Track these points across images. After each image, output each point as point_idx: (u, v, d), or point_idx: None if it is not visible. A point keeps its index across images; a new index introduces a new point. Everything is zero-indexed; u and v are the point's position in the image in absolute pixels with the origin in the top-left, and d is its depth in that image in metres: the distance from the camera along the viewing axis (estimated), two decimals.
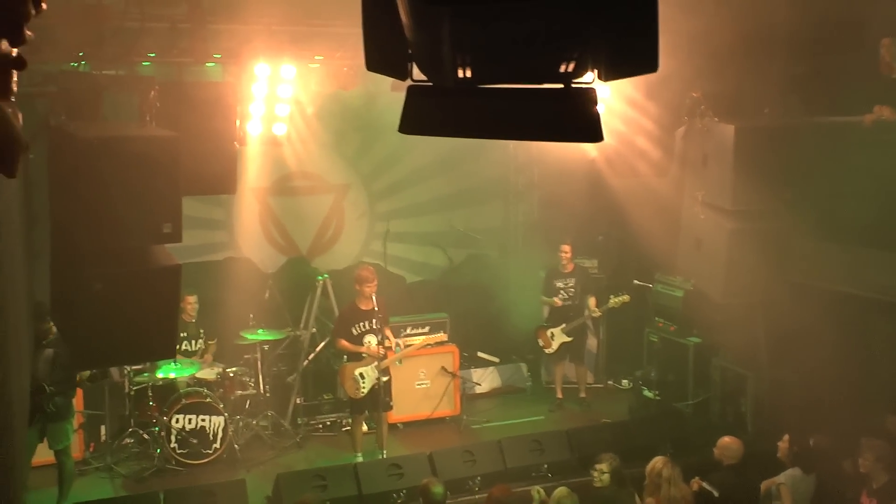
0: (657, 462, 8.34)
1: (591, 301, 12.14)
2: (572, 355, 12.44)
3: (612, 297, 12.06)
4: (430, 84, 2.86)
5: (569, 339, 12.18)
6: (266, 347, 11.09)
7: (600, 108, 9.77)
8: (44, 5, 1.98)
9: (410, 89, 2.91)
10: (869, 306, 10.31)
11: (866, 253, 9.84)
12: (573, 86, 2.77)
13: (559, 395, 12.45)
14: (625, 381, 13.22)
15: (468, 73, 2.59)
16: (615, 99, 11.08)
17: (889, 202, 9.52)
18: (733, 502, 8.51)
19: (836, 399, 9.70)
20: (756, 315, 11.20)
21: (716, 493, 8.52)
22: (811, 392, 9.94)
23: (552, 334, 12.22)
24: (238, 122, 9.19)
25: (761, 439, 10.19)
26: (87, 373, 9.31)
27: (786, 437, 8.88)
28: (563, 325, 12.15)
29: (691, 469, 8.84)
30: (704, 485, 8.60)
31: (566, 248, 12.14)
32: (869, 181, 9.68)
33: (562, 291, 12.19)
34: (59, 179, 7.43)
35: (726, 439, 8.76)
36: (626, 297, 11.99)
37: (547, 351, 12.43)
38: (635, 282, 12.65)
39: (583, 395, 12.42)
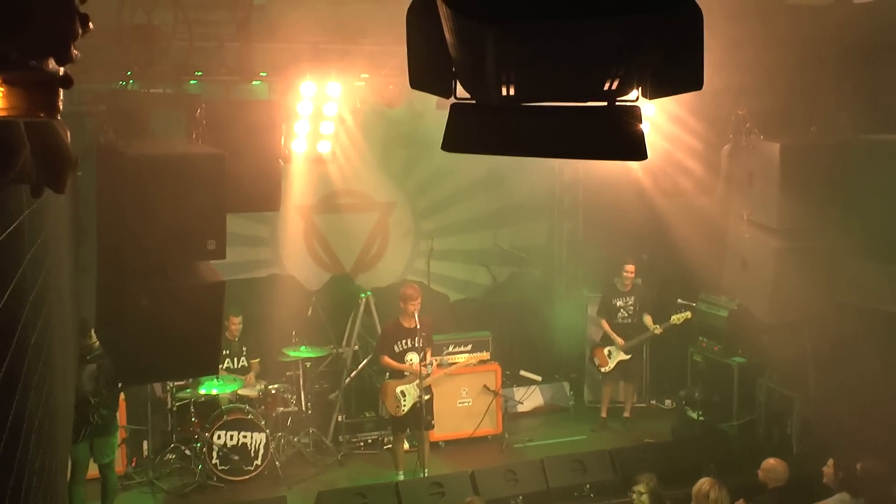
0: (704, 483, 8.24)
1: (648, 319, 12.07)
2: (628, 374, 12.34)
3: (673, 315, 11.96)
4: (474, 102, 2.86)
5: (627, 357, 12.09)
6: (308, 364, 11.15)
7: (645, 125, 9.73)
8: (91, 25, 2.00)
9: (454, 107, 2.90)
10: None
11: None
12: (617, 103, 2.75)
13: (603, 415, 12.36)
14: (668, 402, 13.14)
15: (512, 91, 2.58)
16: (660, 116, 11.03)
17: None
18: None
19: (885, 421, 9.54)
20: (802, 335, 11.06)
21: None
22: (858, 414, 9.79)
23: (609, 352, 12.14)
24: (283, 140, 9.27)
25: (807, 462, 10.05)
26: None
27: (830, 461, 8.74)
28: (623, 343, 12.04)
29: (736, 491, 8.72)
30: None
31: (630, 267, 12.07)
32: None
33: (622, 310, 12.13)
34: (107, 196, 7.53)
35: (771, 461, 8.65)
36: (688, 314, 11.91)
37: (603, 370, 12.30)
38: (680, 301, 12.55)
39: (627, 414, 12.32)
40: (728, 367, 11.92)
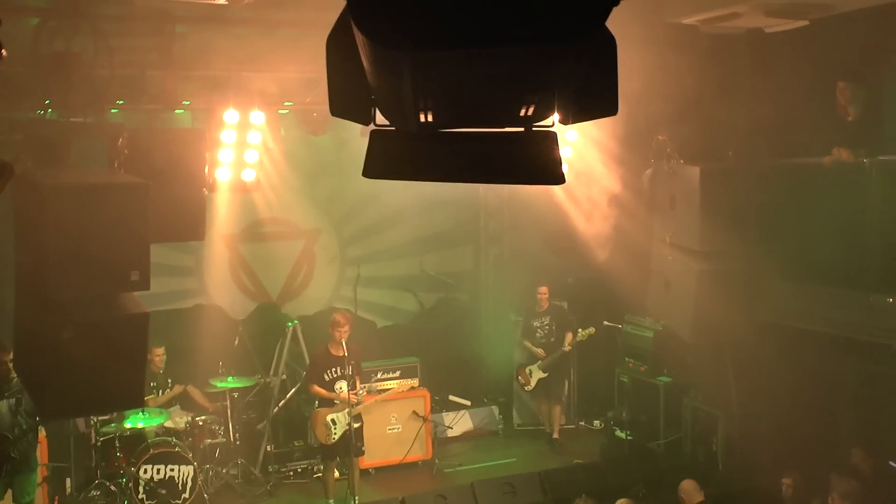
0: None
1: (569, 337, 12.17)
2: (551, 394, 12.41)
3: (580, 330, 12.08)
4: (393, 129, 2.88)
5: (544, 374, 12.18)
6: (236, 395, 11.00)
7: (568, 151, 9.95)
8: (4, 52, 1.99)
9: (373, 134, 2.93)
10: (835, 344, 10.38)
11: (832, 291, 9.92)
12: (534, 129, 2.79)
13: (555, 436, 12.39)
14: (596, 422, 13.23)
15: (430, 118, 2.61)
16: (583, 142, 11.20)
17: (851, 241, 9.65)
18: None
19: (805, 436, 9.74)
20: (725, 354, 11.26)
21: None
22: (781, 430, 9.99)
23: (530, 371, 12.26)
24: (207, 169, 9.17)
25: (732, 478, 10.22)
26: None
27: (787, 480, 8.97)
28: (539, 362, 12.16)
29: None
30: None
31: (543, 289, 12.26)
32: (832, 221, 9.81)
33: (538, 330, 12.24)
34: (26, 227, 7.37)
35: (685, 483, 8.84)
36: (591, 330, 12.07)
37: (526, 388, 12.46)
38: (605, 323, 12.72)
39: (556, 436, 12.38)
40: (654, 386, 12.08)
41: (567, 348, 12.14)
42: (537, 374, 12.20)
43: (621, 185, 11.54)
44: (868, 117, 9.58)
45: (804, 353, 10.16)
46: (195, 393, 10.89)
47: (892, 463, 10.14)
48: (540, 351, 12.17)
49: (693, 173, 10.29)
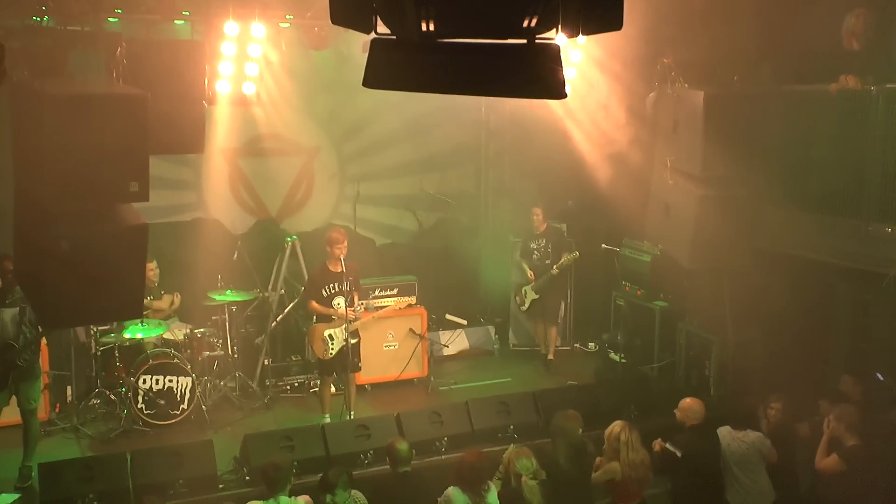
0: (615, 427, 8.43)
1: (564, 258, 12.15)
2: (545, 315, 12.46)
3: (564, 255, 12.08)
4: (394, 38, 2.84)
5: (536, 295, 12.22)
6: (234, 309, 11.05)
7: (572, 72, 9.82)
8: None
9: (374, 42, 2.89)
10: (831, 272, 10.43)
11: (830, 220, 9.94)
12: (537, 41, 2.75)
13: (550, 357, 12.45)
14: (591, 344, 13.33)
15: (431, 27, 2.57)
16: (587, 63, 11.08)
17: (852, 171, 9.63)
18: (696, 462, 8.62)
19: (797, 362, 9.83)
20: (722, 280, 11.30)
21: (679, 454, 8.63)
22: (773, 356, 10.08)
23: (525, 292, 12.32)
24: (207, 81, 9.10)
25: (724, 402, 10.33)
26: None
27: (775, 405, 9.03)
28: (532, 283, 12.19)
29: (656, 431, 8.95)
30: (667, 446, 8.70)
31: (537, 210, 12.23)
32: (834, 149, 9.78)
33: (535, 252, 12.25)
34: (23, 137, 7.33)
35: (688, 401, 8.86)
36: (575, 255, 12.04)
37: (522, 309, 12.53)
38: (603, 246, 12.73)
39: (551, 357, 12.47)
40: (650, 311, 12.15)
41: (555, 271, 12.12)
42: (531, 296, 12.25)
43: (624, 109, 11.47)
44: (877, 44, 9.48)
45: (800, 280, 10.20)
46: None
47: (879, 375, 10.27)
48: (530, 273, 12.19)
49: (697, 98, 10.20)
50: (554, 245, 12.22)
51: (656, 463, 8.66)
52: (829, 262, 10.05)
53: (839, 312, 11.16)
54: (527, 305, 12.35)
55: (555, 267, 12.08)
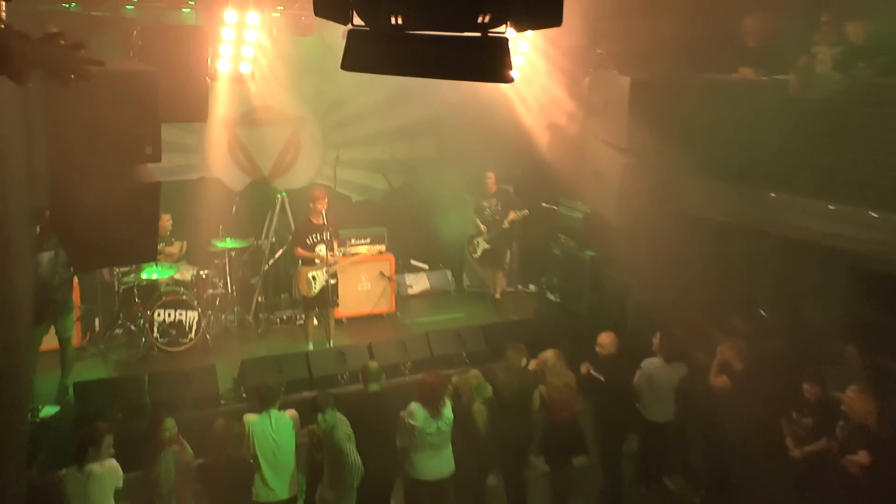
0: (547, 354, 8.60)
1: (510, 216, 12.22)
2: (494, 261, 12.54)
3: (516, 211, 12.15)
4: (368, 29, 2.89)
5: (488, 246, 12.29)
6: (233, 254, 11.05)
7: (520, 59, 9.88)
8: None
9: (350, 32, 2.93)
10: (729, 230, 10.61)
11: (730, 187, 10.10)
12: (489, 35, 2.81)
13: (497, 296, 12.55)
14: (532, 287, 13.44)
15: (400, 20, 2.62)
16: (533, 52, 11.13)
17: (749, 145, 9.78)
18: (614, 385, 8.83)
19: (698, 302, 10.01)
20: (642, 235, 11.41)
21: (602, 378, 8.82)
22: (680, 298, 10.24)
23: (477, 242, 12.36)
24: (209, 61, 9.01)
25: (639, 335, 10.49)
26: None
27: (658, 334, 9.19)
28: (485, 235, 12.25)
29: (584, 359, 9.12)
30: (592, 371, 8.89)
31: (490, 175, 12.26)
32: (735, 128, 9.91)
33: (487, 209, 12.29)
34: (55, 106, 7.24)
35: (603, 336, 9.06)
36: (525, 212, 12.10)
37: (474, 256, 12.57)
38: (543, 204, 12.82)
39: (498, 296, 12.59)
40: (582, 259, 12.25)
41: (506, 225, 12.19)
42: (483, 245, 12.31)
43: (564, 90, 11.53)
44: (770, 43, 9.61)
45: (704, 236, 10.36)
46: None
47: (762, 313, 10.50)
48: (484, 227, 12.24)
49: (624, 82, 10.29)
50: (503, 203, 12.29)
51: (583, 385, 8.86)
52: (727, 222, 10.24)
53: (733, 263, 11.37)
54: (479, 254, 12.42)
55: (506, 222, 12.14)
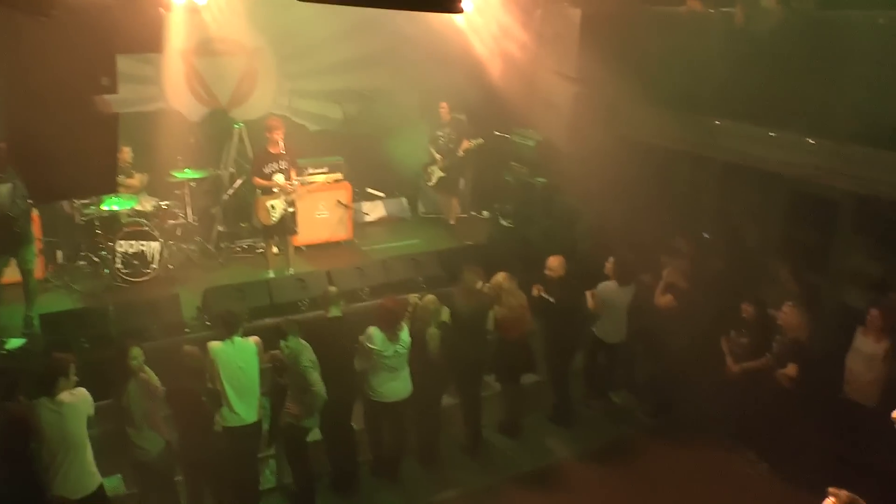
0: (499, 277, 8.70)
1: (464, 144, 12.17)
2: (448, 188, 12.52)
3: (471, 140, 12.09)
4: None
5: (443, 174, 12.26)
6: (193, 184, 10.92)
7: None
8: None
9: None
10: (674, 156, 10.74)
11: (676, 114, 10.18)
12: None
13: (452, 222, 12.56)
14: (485, 212, 13.49)
15: None
16: None
17: (694, 74, 9.84)
18: (564, 307, 8.99)
19: (644, 225, 10.17)
20: (591, 162, 11.50)
21: (552, 300, 8.97)
22: (627, 221, 10.39)
23: (432, 171, 12.32)
24: None
25: (589, 258, 10.65)
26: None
27: (611, 258, 9.33)
28: (440, 164, 12.20)
29: (535, 282, 9.25)
30: (543, 293, 9.02)
31: (444, 104, 12.17)
32: (682, 57, 9.95)
33: (441, 138, 12.22)
34: (8, 38, 7.01)
35: (552, 259, 9.17)
36: (480, 141, 12.08)
37: (429, 184, 12.53)
38: (496, 132, 12.80)
39: (452, 222, 12.62)
40: (533, 185, 12.31)
41: (461, 154, 12.13)
42: (437, 174, 12.27)
43: (517, 22, 11.41)
44: None
45: (650, 162, 10.49)
46: None
47: (705, 234, 10.73)
48: (438, 156, 12.19)
49: (575, 14, 10.27)
50: (457, 132, 12.25)
51: (535, 306, 9.01)
52: (673, 148, 10.36)
53: (679, 187, 11.53)
54: (434, 181, 12.39)
55: (460, 150, 12.11)
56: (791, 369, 8.02)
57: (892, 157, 7.76)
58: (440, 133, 12.23)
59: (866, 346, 8.09)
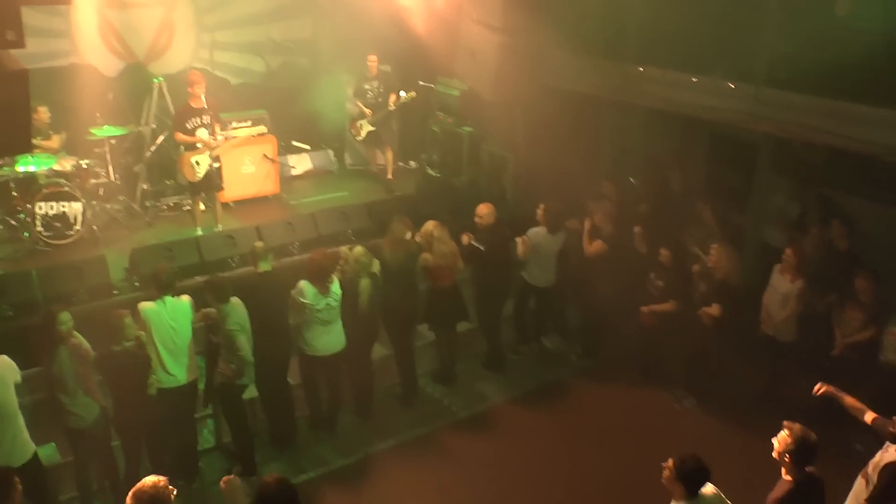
0: (429, 225, 8.67)
1: (392, 98, 11.93)
2: (380, 142, 12.20)
3: (403, 93, 11.94)
4: None
5: (373, 128, 12.01)
6: (113, 142, 10.51)
7: None
8: None
9: None
10: (600, 103, 10.81)
11: (599, 62, 10.22)
12: None
13: (388, 177, 12.24)
14: (412, 163, 13.40)
15: None
16: None
17: (618, 22, 9.88)
18: (494, 254, 9.03)
19: (571, 173, 10.26)
20: (516, 111, 11.51)
21: (482, 248, 9.00)
22: (553, 168, 10.45)
23: (361, 125, 12.02)
24: None
25: (518, 206, 10.72)
26: None
27: (541, 205, 9.38)
28: (369, 118, 11.95)
29: (465, 230, 9.27)
30: (473, 241, 9.04)
31: (372, 57, 11.79)
32: (605, 6, 9.98)
33: (369, 92, 11.92)
34: None
35: (481, 207, 9.18)
36: (413, 94, 11.87)
37: (357, 139, 12.24)
38: (420, 83, 12.66)
39: (390, 177, 12.24)
40: (459, 135, 12.28)
41: (392, 107, 11.89)
42: (367, 128, 11.98)
43: None
44: None
45: (575, 110, 10.53)
46: None
47: (631, 179, 10.90)
48: (368, 111, 11.88)
49: None
50: (385, 86, 11.94)
51: (465, 254, 9.02)
52: (598, 95, 10.41)
53: (603, 134, 11.65)
54: (363, 136, 12.11)
55: (392, 104, 11.81)
56: (714, 309, 8.24)
57: (807, 100, 7.94)
58: (368, 87, 11.91)
59: (782, 284, 8.36)
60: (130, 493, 4.23)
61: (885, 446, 5.48)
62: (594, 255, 9.30)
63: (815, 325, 8.38)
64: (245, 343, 7.08)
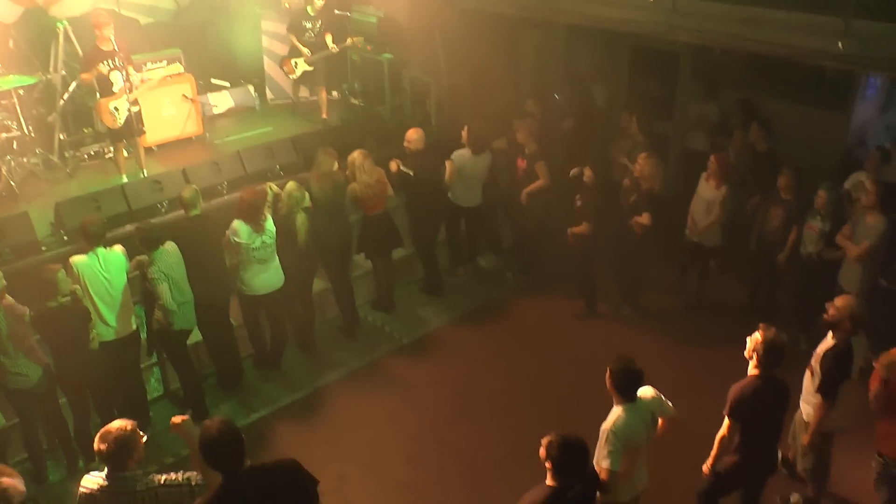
0: (354, 155, 8.62)
1: (329, 38, 11.34)
2: (314, 81, 11.74)
3: (350, 38, 11.48)
4: None
5: (309, 68, 11.58)
6: (21, 92, 9.96)
7: None
8: None
9: None
10: (520, 23, 10.73)
11: None
12: None
13: (324, 115, 11.80)
14: (334, 93, 13.11)
15: None
16: None
17: None
18: (424, 178, 9.04)
19: (494, 93, 10.23)
20: (435, 35, 11.35)
21: (411, 173, 8.99)
22: (476, 90, 10.42)
23: (296, 63, 11.59)
24: None
25: (443, 130, 10.67)
26: None
27: (465, 127, 9.35)
28: (307, 58, 11.48)
29: (392, 156, 9.22)
30: (402, 168, 9.02)
31: None
32: None
33: (308, 31, 11.41)
34: None
35: (410, 132, 9.14)
36: (362, 39, 11.50)
37: (291, 77, 11.71)
38: (336, 11, 12.31)
39: (325, 115, 11.84)
40: (379, 62, 12.07)
41: (335, 49, 11.25)
42: (302, 67, 11.45)
43: None
44: None
45: (496, 31, 10.46)
46: None
47: (556, 95, 10.94)
48: (306, 51, 11.30)
49: None
50: (325, 26, 11.38)
51: (394, 181, 9.00)
52: (517, 15, 10.32)
53: (525, 53, 11.61)
54: (297, 74, 11.60)
55: (334, 46, 11.33)
56: (644, 218, 8.41)
57: (723, 8, 8.02)
58: (307, 25, 11.31)
59: (707, 191, 8.57)
60: (98, 435, 4.23)
61: (825, 338, 5.78)
62: (520, 173, 9.37)
63: (742, 229, 8.65)
64: (166, 291, 6.95)
